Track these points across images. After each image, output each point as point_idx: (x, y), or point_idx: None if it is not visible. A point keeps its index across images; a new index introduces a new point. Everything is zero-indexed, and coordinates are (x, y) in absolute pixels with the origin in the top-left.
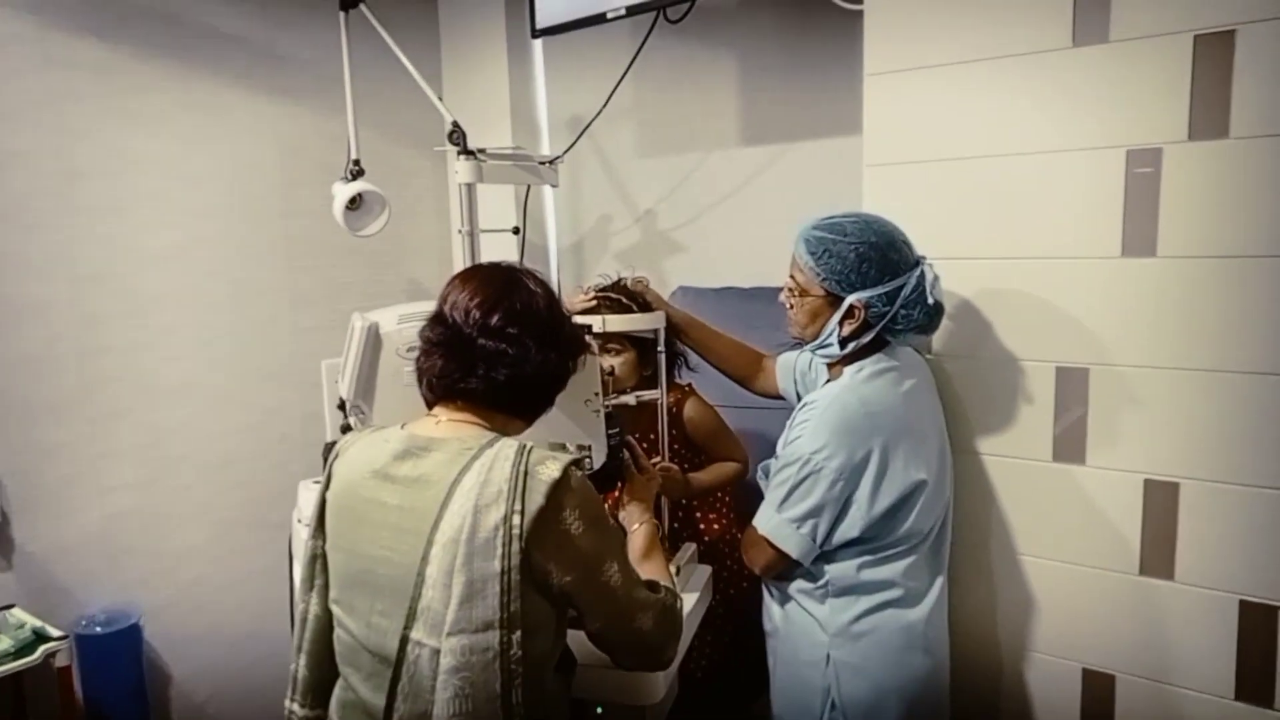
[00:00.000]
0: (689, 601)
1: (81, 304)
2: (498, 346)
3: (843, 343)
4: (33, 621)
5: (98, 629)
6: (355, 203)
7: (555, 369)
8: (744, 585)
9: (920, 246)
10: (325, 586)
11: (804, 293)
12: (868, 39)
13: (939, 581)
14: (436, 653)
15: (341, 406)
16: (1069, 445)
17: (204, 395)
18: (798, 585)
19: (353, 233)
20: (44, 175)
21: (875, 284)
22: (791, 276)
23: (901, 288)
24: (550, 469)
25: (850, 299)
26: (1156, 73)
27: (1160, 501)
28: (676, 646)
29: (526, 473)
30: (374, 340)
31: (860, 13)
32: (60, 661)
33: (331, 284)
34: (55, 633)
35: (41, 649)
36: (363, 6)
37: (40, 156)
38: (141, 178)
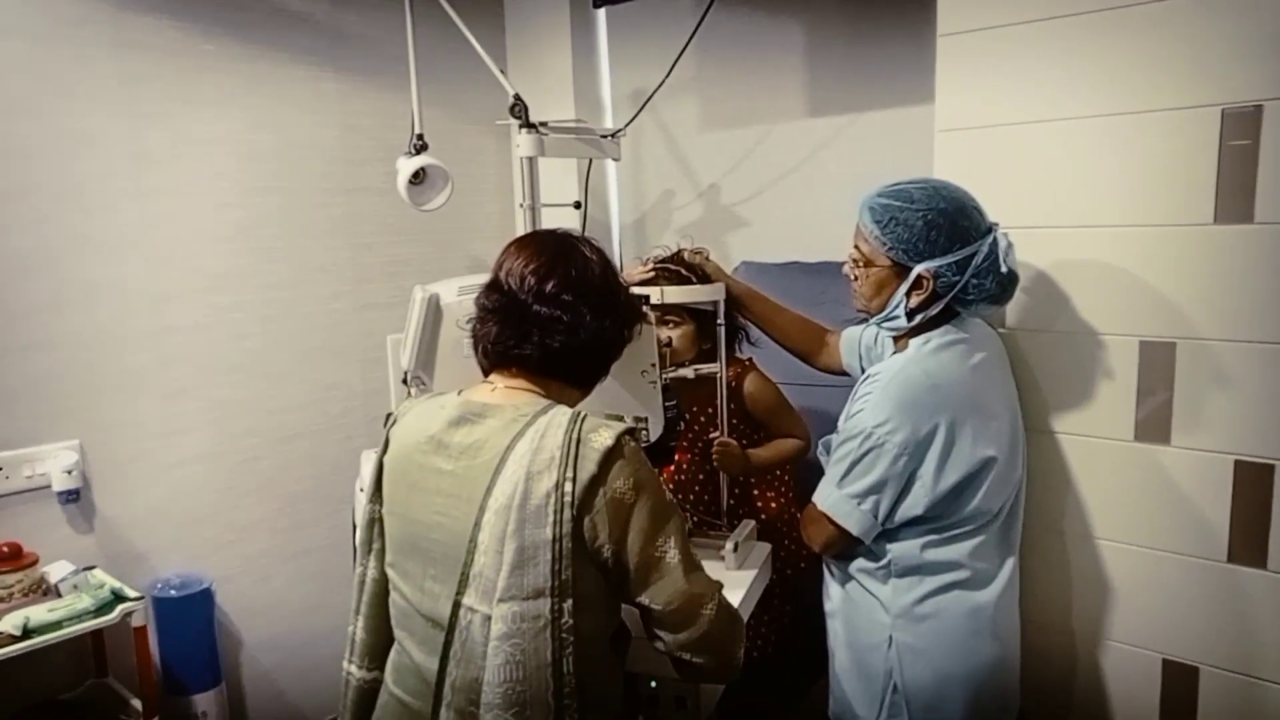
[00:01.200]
0: (746, 578)
1: (152, 283)
2: (552, 313)
3: (910, 314)
4: (112, 582)
5: (172, 591)
6: (419, 177)
7: (610, 337)
8: (803, 565)
9: (994, 214)
10: (382, 550)
11: (869, 263)
12: (940, 3)
13: (1009, 564)
14: (488, 619)
15: (405, 381)
16: (1152, 424)
17: (268, 371)
18: (859, 564)
19: (416, 207)
20: (116, 157)
21: (944, 252)
22: (856, 247)
23: (972, 256)
24: (603, 436)
25: (918, 268)
26: (1255, 24)
27: (1251, 485)
28: (743, 650)
29: (579, 440)
30: (434, 311)
31: None
32: (136, 621)
33: (394, 261)
34: (132, 593)
35: (119, 608)
36: None
37: (112, 139)
38: (207, 158)
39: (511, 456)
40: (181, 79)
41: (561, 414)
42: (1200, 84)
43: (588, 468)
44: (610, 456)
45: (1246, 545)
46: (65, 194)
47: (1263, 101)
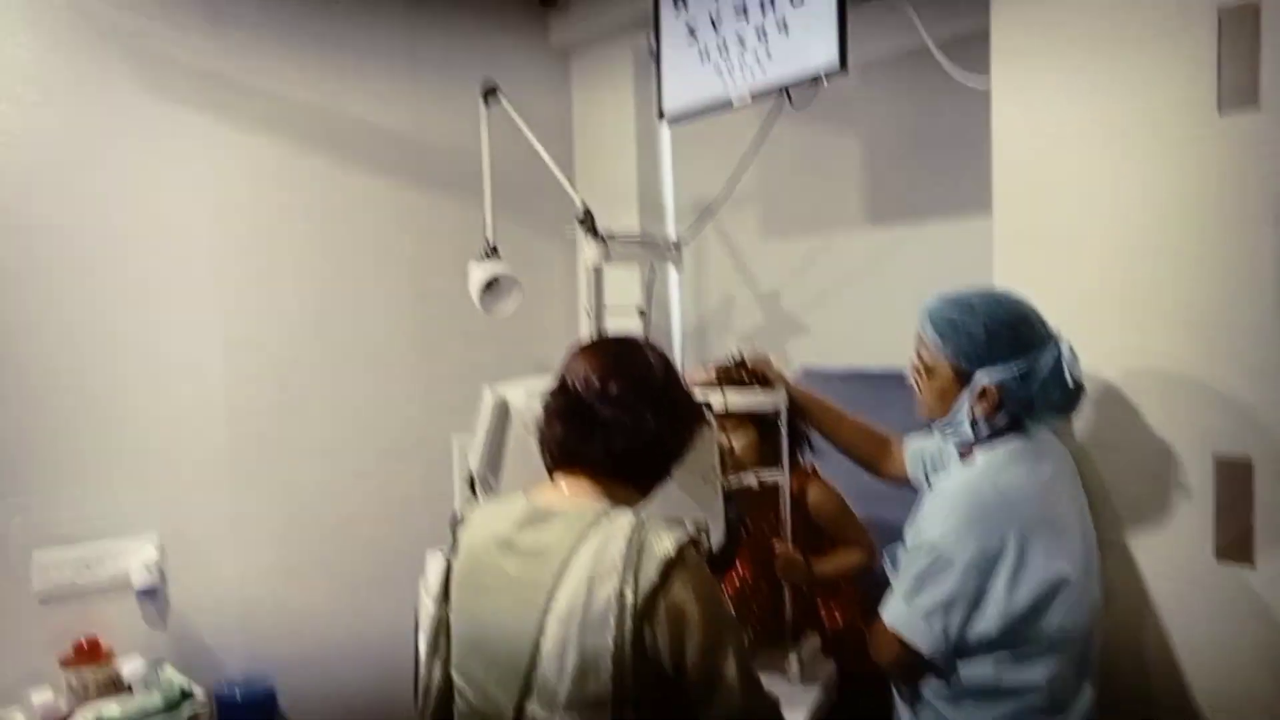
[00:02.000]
0: (810, 697)
1: (233, 367)
2: (615, 414)
3: (974, 424)
4: (180, 680)
5: (236, 693)
6: (490, 285)
7: (672, 439)
8: (871, 683)
9: (1059, 325)
10: (448, 655)
11: (931, 371)
12: (996, 114)
13: (1087, 689)
14: None
15: (470, 482)
16: (1233, 543)
17: (338, 463)
18: (929, 685)
19: (487, 313)
20: (197, 251)
21: (1007, 362)
22: (918, 354)
23: (1036, 365)
24: (665, 544)
25: (981, 377)
26: None
27: None
28: None
29: (642, 547)
30: (503, 413)
31: (987, 94)
32: None
33: (461, 362)
34: (199, 691)
35: (185, 706)
36: (502, 98)
37: (200, 232)
38: (292, 256)
39: (575, 561)
40: (277, 193)
41: (625, 519)
42: (1261, 195)
43: (649, 575)
44: (672, 565)
45: None
46: (156, 279)
47: None
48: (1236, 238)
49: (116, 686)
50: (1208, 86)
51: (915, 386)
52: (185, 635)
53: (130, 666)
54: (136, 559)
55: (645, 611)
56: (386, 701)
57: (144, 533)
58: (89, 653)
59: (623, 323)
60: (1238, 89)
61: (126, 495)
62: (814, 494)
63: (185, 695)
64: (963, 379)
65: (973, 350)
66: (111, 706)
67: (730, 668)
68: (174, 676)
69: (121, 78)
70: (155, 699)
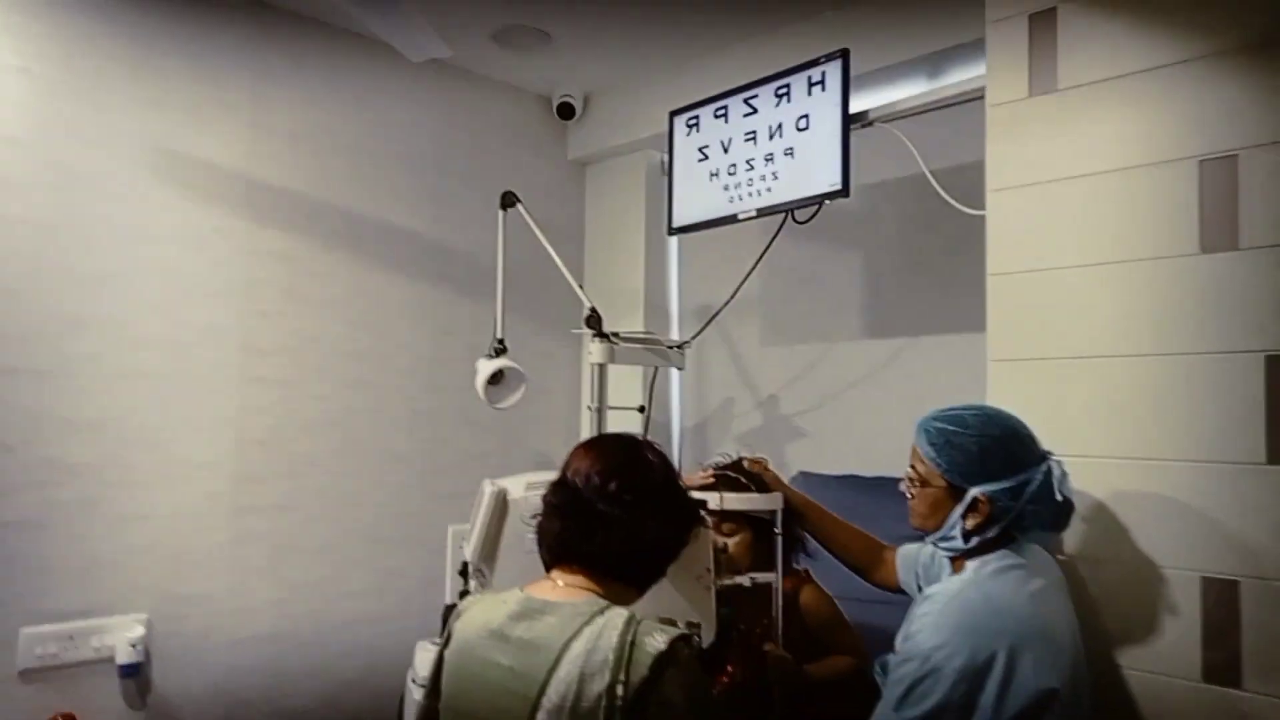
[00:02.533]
0: None
1: (242, 465)
2: (614, 512)
3: (966, 536)
4: None
5: None
6: (497, 378)
7: (669, 539)
8: None
9: (1049, 443)
10: None
11: (925, 483)
12: (990, 241)
13: None
14: None
15: (463, 572)
16: (1220, 665)
17: (337, 557)
18: None
19: (491, 405)
20: (232, 348)
21: (999, 477)
22: (912, 466)
23: (1027, 482)
24: (657, 640)
25: (973, 491)
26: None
27: None
28: None
29: (634, 643)
30: (501, 505)
31: (981, 216)
32: None
33: (464, 453)
34: None
35: None
36: (520, 207)
37: (232, 332)
38: (313, 353)
39: (567, 656)
40: (298, 282)
41: (618, 616)
42: (1244, 330)
43: (640, 671)
44: (663, 662)
45: None
46: (182, 379)
47: None
48: (1221, 370)
49: None
50: (1190, 227)
51: (909, 496)
52: (166, 718)
53: None
54: (123, 636)
55: (636, 707)
56: None
57: (133, 613)
58: None
59: (624, 420)
60: (1218, 231)
61: (122, 578)
62: (807, 597)
63: None
64: (956, 493)
65: (966, 466)
66: None
67: None
68: None
69: (158, 178)
70: None
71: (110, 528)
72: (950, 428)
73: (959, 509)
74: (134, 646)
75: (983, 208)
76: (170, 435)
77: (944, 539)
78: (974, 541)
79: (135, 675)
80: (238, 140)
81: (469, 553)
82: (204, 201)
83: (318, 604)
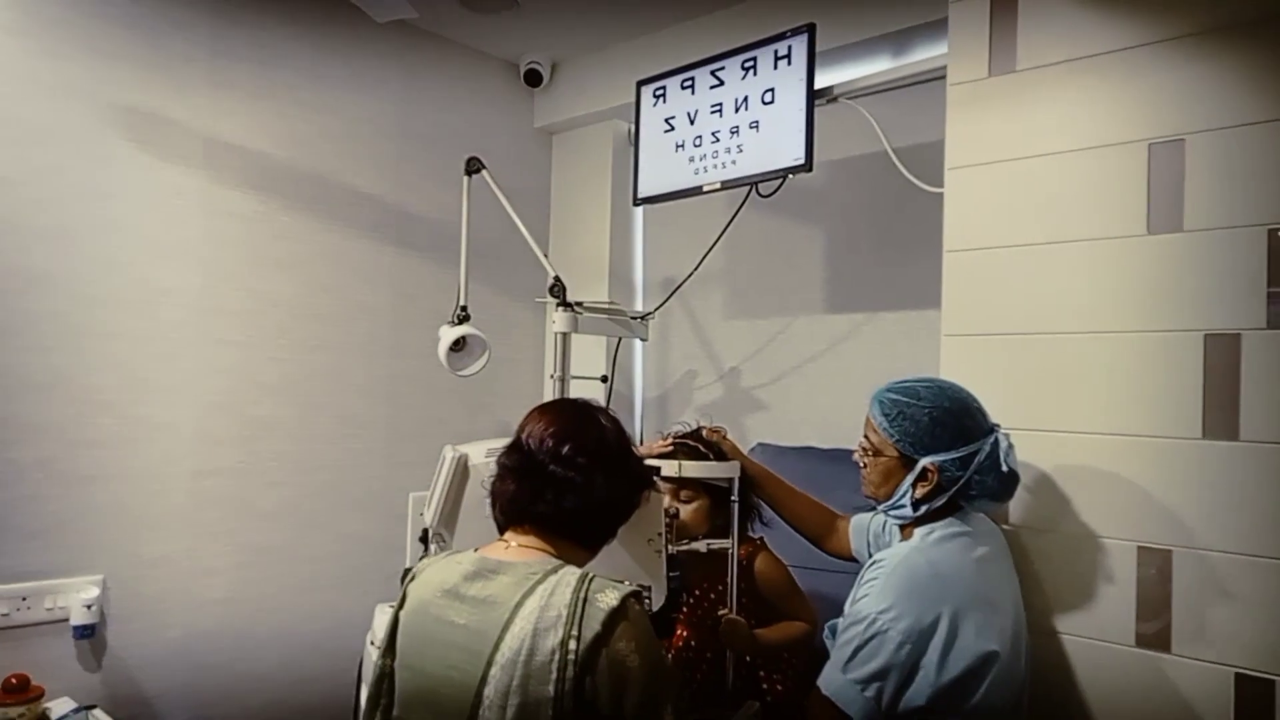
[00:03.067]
0: None
1: (201, 427)
2: (567, 474)
3: (915, 504)
4: None
5: None
6: (459, 345)
7: (620, 501)
8: None
9: (997, 416)
10: (390, 706)
11: (878, 452)
12: (947, 218)
13: None
14: None
15: (424, 538)
16: (1152, 630)
17: (299, 520)
18: None
19: (454, 372)
20: (193, 310)
21: (948, 448)
22: (866, 436)
23: (975, 453)
24: (609, 597)
25: (923, 461)
26: (1233, 262)
27: (1253, 700)
28: None
29: (586, 599)
30: (462, 471)
31: (940, 194)
32: None
33: (428, 421)
34: None
35: None
36: (485, 173)
37: (191, 293)
38: (272, 314)
39: (521, 613)
40: (259, 244)
41: (571, 574)
42: (1186, 310)
43: (593, 627)
44: (615, 617)
45: None
46: (141, 340)
47: (1241, 330)
48: (1163, 348)
49: None
50: (1139, 209)
51: (862, 466)
52: (122, 681)
53: (59, 708)
54: (77, 597)
55: (587, 662)
56: None
57: (89, 574)
58: (16, 690)
59: (587, 389)
60: (1165, 212)
61: (80, 540)
62: (761, 564)
63: None
64: (907, 462)
65: (917, 436)
66: None
67: (668, 718)
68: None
69: (120, 136)
70: None
71: (66, 488)
72: (903, 399)
73: (909, 478)
74: (89, 608)
75: (942, 186)
76: (128, 396)
77: (894, 507)
78: (923, 510)
79: (90, 637)
80: (198, 97)
81: (429, 517)
82: (163, 159)
83: (277, 568)
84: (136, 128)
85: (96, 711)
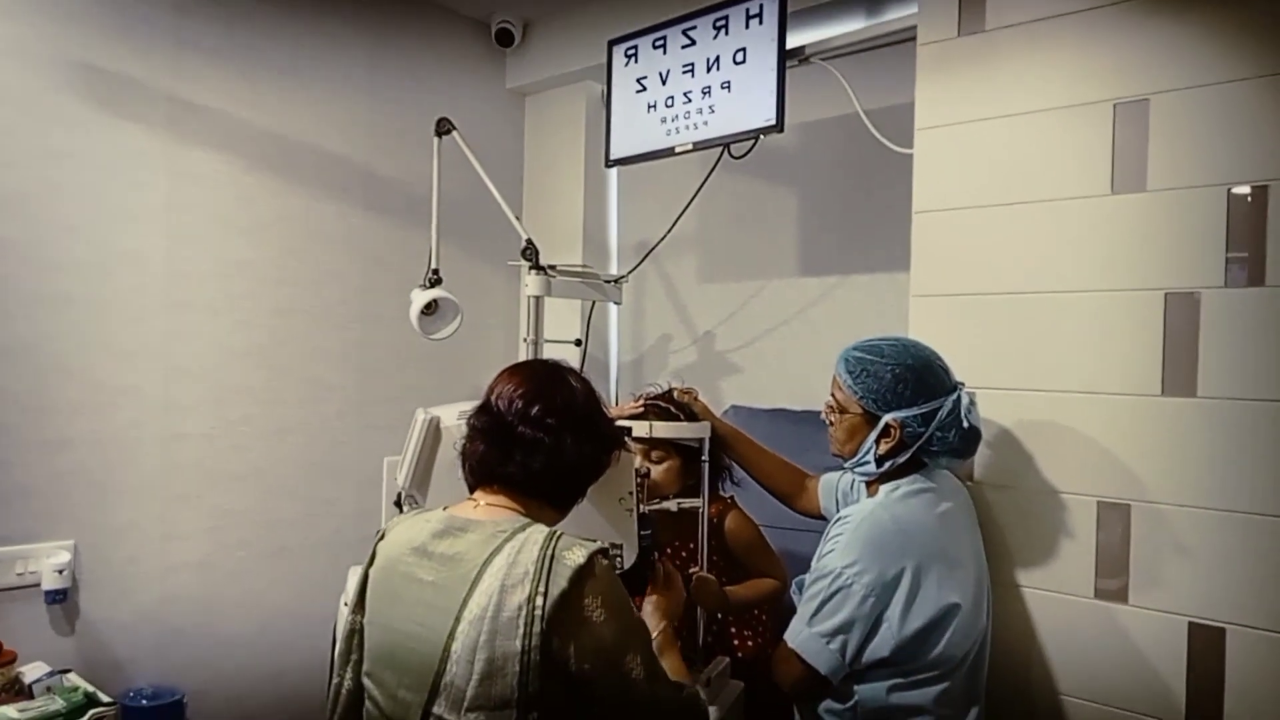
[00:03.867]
0: (715, 717)
1: (169, 392)
2: (536, 435)
3: (879, 461)
4: (85, 686)
5: (144, 701)
6: (431, 309)
7: (589, 461)
8: (778, 708)
9: (963, 375)
10: (360, 661)
11: (843, 410)
12: (916, 179)
13: (974, 713)
14: None
15: (398, 502)
16: (1111, 583)
17: (269, 484)
18: (826, 705)
19: (426, 336)
20: (155, 275)
21: (910, 405)
22: (832, 395)
23: (937, 410)
24: (576, 554)
25: (886, 417)
26: (1193, 222)
27: (1205, 648)
28: None
29: (553, 556)
30: (434, 433)
31: (910, 155)
32: None
33: (400, 386)
34: (105, 699)
35: (90, 714)
36: (455, 135)
37: (155, 258)
38: (238, 279)
39: (488, 570)
40: (223, 207)
41: (539, 531)
42: (1147, 269)
43: (559, 584)
44: (582, 574)
45: (1203, 707)
46: (103, 305)
47: (1199, 289)
48: (1125, 307)
49: (18, 691)
50: (1103, 169)
51: (829, 424)
52: (95, 645)
53: (33, 672)
54: (48, 562)
55: (554, 618)
56: (303, 714)
57: (60, 539)
58: None
59: (561, 353)
60: (1128, 172)
61: (49, 505)
62: (731, 522)
63: (91, 702)
64: (871, 419)
65: (880, 393)
66: (9, 710)
67: (639, 671)
68: (78, 682)
69: (78, 97)
70: (56, 704)
71: (31, 454)
72: (868, 357)
73: (873, 434)
74: (60, 573)
75: (911, 147)
76: (90, 362)
77: (859, 464)
78: (886, 466)
79: (63, 601)
80: (159, 57)
81: (401, 479)
82: (124, 120)
83: (248, 532)
84: (96, 88)
85: (71, 675)
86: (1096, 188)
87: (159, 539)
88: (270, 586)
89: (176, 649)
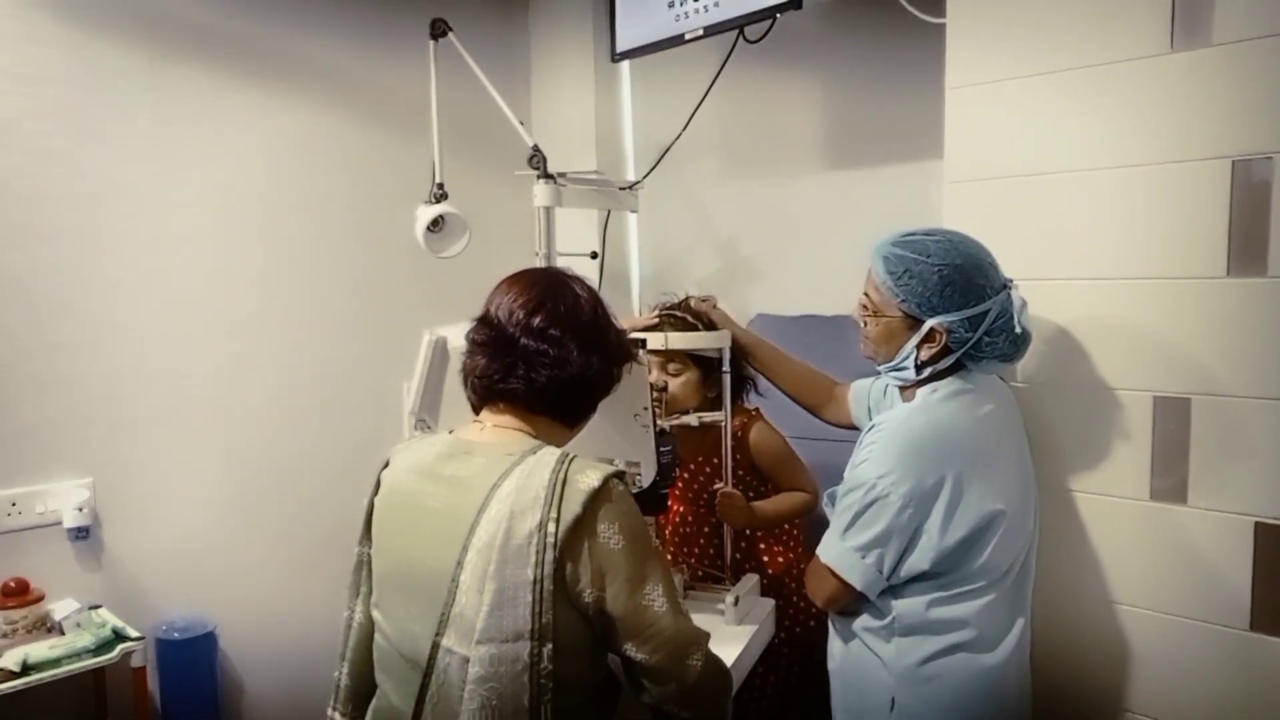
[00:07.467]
0: (746, 634)
1: (174, 326)
2: (539, 346)
3: (919, 367)
4: (115, 621)
5: (175, 634)
6: (437, 225)
7: (597, 373)
8: (810, 623)
9: (1007, 268)
10: (370, 593)
11: (879, 312)
12: (950, 51)
13: (1019, 625)
14: (466, 661)
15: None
16: (1168, 483)
17: (283, 416)
18: (862, 621)
19: (434, 254)
20: (146, 205)
21: (958, 308)
22: (866, 294)
23: (986, 313)
24: (590, 478)
25: (930, 322)
26: (1266, 76)
27: (1273, 548)
28: (730, 704)
29: (565, 480)
30: (441, 354)
31: (943, 25)
32: (136, 662)
33: (411, 308)
34: (134, 633)
35: (120, 648)
36: (452, 37)
37: (143, 187)
38: (234, 207)
39: (497, 495)
40: (213, 129)
41: (549, 454)
42: (1212, 135)
43: (572, 509)
44: (596, 498)
45: (1269, 613)
46: (95, 238)
47: (1273, 154)
48: (1187, 183)
49: (47, 628)
50: (1161, 23)
51: (861, 324)
52: (122, 579)
53: (62, 609)
54: (68, 500)
55: (567, 545)
56: (329, 645)
57: (78, 477)
58: (16, 593)
59: (577, 266)
60: (1191, 25)
61: (62, 444)
62: (756, 435)
63: (119, 637)
64: (911, 323)
65: (924, 296)
66: (40, 647)
67: (656, 600)
68: (108, 617)
69: (44, 8)
70: (85, 639)
71: (36, 393)
72: (910, 255)
73: (914, 339)
74: (80, 510)
75: (944, 16)
76: (87, 298)
77: (896, 369)
78: (927, 372)
79: (86, 538)
80: None
81: (412, 403)
82: (100, 35)
83: (267, 464)
84: (63, 2)
85: (101, 610)
86: (1154, 46)
87: (176, 472)
88: (292, 516)
89: (202, 581)
